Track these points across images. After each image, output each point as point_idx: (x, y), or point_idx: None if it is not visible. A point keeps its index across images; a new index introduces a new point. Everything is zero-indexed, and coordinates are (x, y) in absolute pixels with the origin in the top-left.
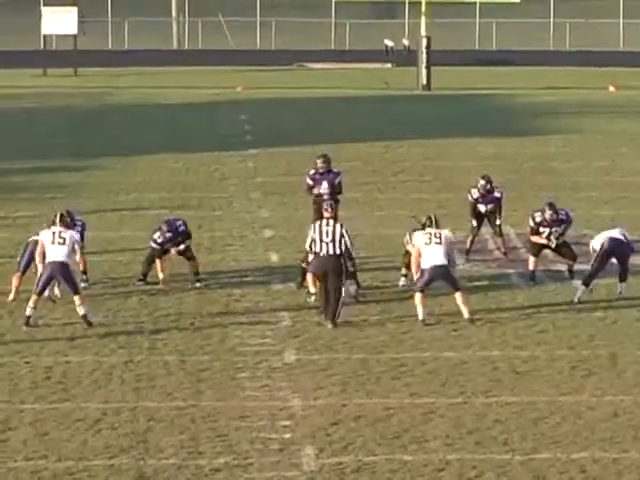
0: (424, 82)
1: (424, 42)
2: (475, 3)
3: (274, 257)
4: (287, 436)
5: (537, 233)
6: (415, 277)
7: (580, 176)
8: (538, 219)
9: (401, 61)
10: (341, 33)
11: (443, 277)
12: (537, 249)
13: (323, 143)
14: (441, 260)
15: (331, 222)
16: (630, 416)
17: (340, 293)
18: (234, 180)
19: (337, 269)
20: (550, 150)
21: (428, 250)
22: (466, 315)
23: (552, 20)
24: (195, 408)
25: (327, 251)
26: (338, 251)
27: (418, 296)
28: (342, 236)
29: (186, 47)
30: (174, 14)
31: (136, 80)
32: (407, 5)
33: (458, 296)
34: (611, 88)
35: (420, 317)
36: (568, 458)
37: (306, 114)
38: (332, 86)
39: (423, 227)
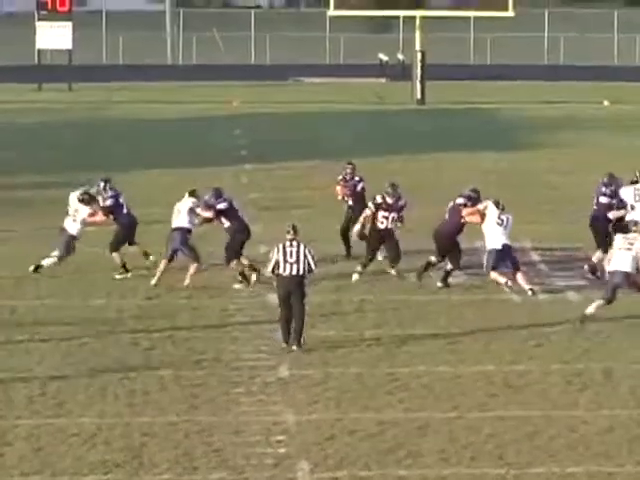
0: (418, 96)
1: (419, 56)
2: (469, 17)
3: (268, 273)
4: (282, 451)
5: (374, 217)
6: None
7: (576, 190)
8: (379, 200)
9: (396, 75)
10: (336, 48)
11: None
12: (376, 240)
13: (318, 158)
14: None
15: (295, 243)
16: (625, 430)
17: (303, 313)
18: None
19: (300, 290)
20: (545, 164)
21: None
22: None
23: (546, 34)
24: (189, 423)
25: (291, 272)
26: (302, 272)
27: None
28: (305, 257)
29: (180, 62)
30: (168, 29)
31: (131, 95)
32: (402, 20)
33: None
34: (605, 102)
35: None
36: (563, 472)
37: (301, 129)
38: (327, 101)
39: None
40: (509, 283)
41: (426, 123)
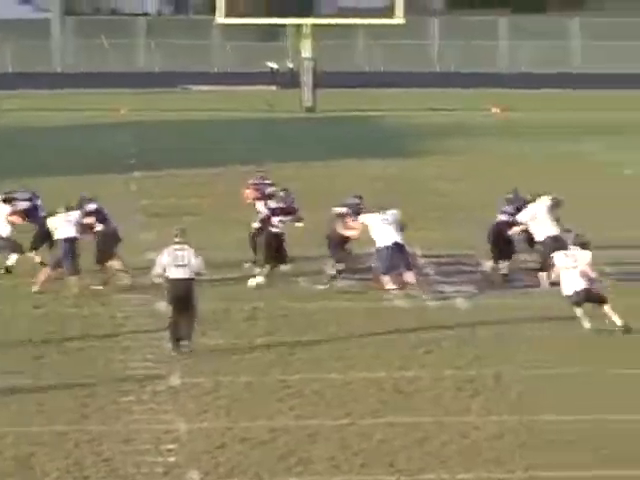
0: (309, 104)
1: (309, 64)
2: (358, 25)
3: (155, 277)
4: (172, 459)
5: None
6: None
7: (464, 197)
8: (273, 205)
9: (285, 83)
10: (224, 55)
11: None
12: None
13: (208, 166)
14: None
15: (182, 246)
16: (515, 436)
17: (193, 316)
18: (117, 203)
19: (190, 293)
20: (434, 171)
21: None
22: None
23: (436, 42)
24: (79, 432)
25: (181, 275)
26: (191, 275)
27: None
28: (193, 260)
29: (69, 70)
30: (56, 37)
31: (20, 103)
32: (291, 27)
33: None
34: (494, 109)
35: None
36: (454, 478)
37: (190, 137)
38: (216, 108)
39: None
40: (396, 290)
41: (316, 131)
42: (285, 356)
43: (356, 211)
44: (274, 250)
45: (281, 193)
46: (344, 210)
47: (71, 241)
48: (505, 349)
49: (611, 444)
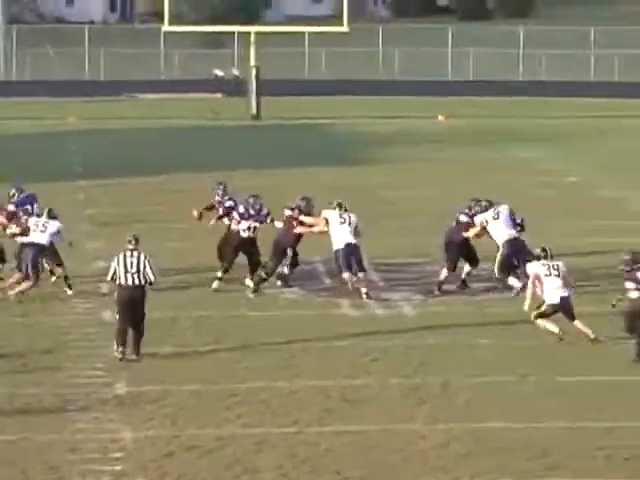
0: (254, 112)
1: (253, 72)
2: (304, 33)
3: (105, 288)
4: (119, 468)
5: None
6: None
7: (411, 204)
8: (242, 210)
9: (231, 91)
10: (170, 63)
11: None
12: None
13: (155, 174)
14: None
15: (135, 253)
16: (461, 444)
17: (142, 324)
18: (64, 212)
19: (141, 300)
20: (380, 179)
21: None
22: (592, 335)
23: (380, 49)
24: (26, 442)
25: (133, 282)
26: (143, 281)
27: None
28: (145, 267)
29: (14, 78)
30: (1, 45)
31: None
32: (236, 35)
33: (577, 323)
34: (440, 117)
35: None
36: None
37: (137, 145)
38: (162, 116)
39: (538, 259)
40: (354, 289)
41: (263, 138)
42: (232, 364)
43: (306, 212)
44: (235, 255)
45: (250, 200)
46: (290, 213)
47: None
48: (452, 357)
49: (558, 451)
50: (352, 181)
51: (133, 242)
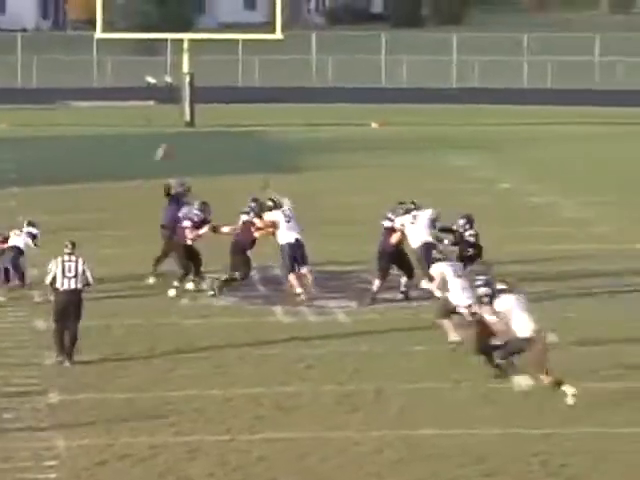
0: (187, 119)
1: (187, 79)
2: (238, 40)
3: (38, 296)
4: (52, 476)
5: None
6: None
7: (344, 211)
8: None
9: (164, 98)
10: (103, 71)
11: None
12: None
13: (88, 182)
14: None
15: (73, 257)
16: (395, 450)
17: (77, 329)
18: None
19: (78, 304)
20: (315, 186)
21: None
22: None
23: (314, 56)
24: None
25: (69, 286)
26: (80, 286)
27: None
28: (84, 271)
29: None
30: None
31: None
32: (169, 42)
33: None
34: (374, 124)
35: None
36: None
37: (70, 153)
38: (95, 124)
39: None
40: (302, 296)
41: (197, 146)
42: (165, 372)
43: (259, 214)
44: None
45: (195, 207)
46: (247, 217)
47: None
48: (386, 363)
49: (493, 458)
50: (289, 188)
51: (70, 246)
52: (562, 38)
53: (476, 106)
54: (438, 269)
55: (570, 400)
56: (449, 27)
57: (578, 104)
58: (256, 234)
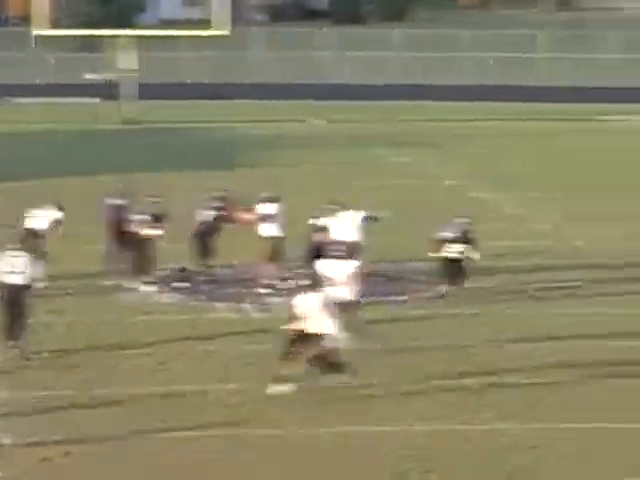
0: (129, 115)
1: (127, 75)
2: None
3: None
4: None
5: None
6: None
7: (290, 209)
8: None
9: (105, 95)
10: (45, 68)
11: None
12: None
13: (32, 179)
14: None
15: (19, 253)
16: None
17: (25, 323)
18: None
19: (24, 298)
20: (261, 183)
21: None
22: None
23: (255, 52)
24: None
25: (17, 281)
26: (27, 281)
27: None
28: (31, 267)
29: None
30: None
31: None
32: (110, 39)
33: None
34: (316, 121)
35: None
36: None
37: (13, 149)
38: (37, 121)
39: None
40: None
41: (138, 142)
42: (106, 370)
43: (230, 203)
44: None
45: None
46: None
47: None
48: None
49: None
50: (236, 185)
51: (17, 242)
52: (503, 35)
53: (419, 102)
54: (321, 266)
55: (271, 390)
56: (392, 24)
57: (520, 100)
58: (241, 218)
